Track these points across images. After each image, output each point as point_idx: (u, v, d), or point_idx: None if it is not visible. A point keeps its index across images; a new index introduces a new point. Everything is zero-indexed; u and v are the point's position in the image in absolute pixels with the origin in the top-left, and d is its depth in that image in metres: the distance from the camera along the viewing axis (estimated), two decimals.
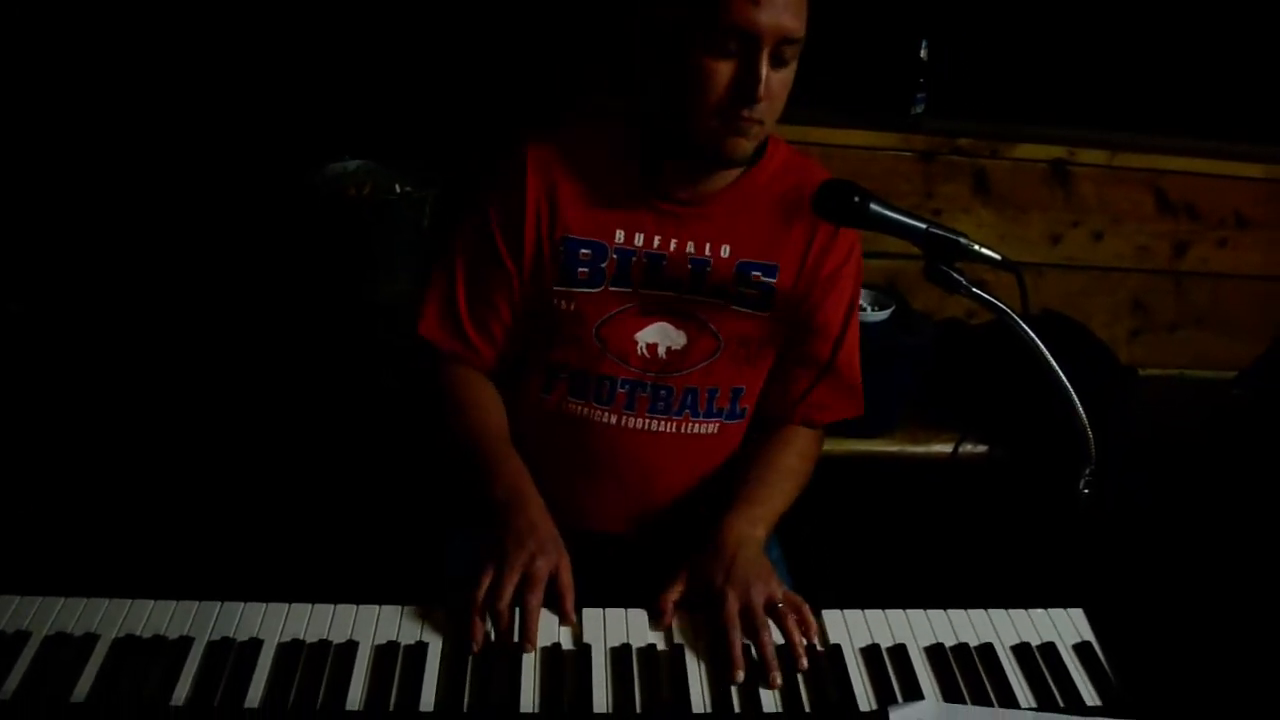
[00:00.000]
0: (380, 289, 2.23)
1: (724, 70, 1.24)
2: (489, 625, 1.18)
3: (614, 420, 1.46)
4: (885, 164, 2.45)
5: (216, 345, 2.46)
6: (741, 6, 1.20)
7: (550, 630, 1.20)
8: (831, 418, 1.54)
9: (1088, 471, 1.34)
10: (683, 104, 1.28)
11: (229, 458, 2.29)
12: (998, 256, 1.27)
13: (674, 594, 1.26)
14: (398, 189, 2.25)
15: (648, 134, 1.38)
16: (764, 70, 1.22)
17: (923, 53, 2.45)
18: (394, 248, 2.21)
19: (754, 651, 1.19)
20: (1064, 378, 1.29)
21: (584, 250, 1.39)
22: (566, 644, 1.19)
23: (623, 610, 1.24)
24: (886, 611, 1.26)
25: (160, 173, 2.53)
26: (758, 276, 1.41)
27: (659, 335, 1.43)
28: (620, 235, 1.39)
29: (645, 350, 1.43)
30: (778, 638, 1.21)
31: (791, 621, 1.21)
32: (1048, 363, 1.29)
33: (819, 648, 1.21)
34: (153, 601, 1.19)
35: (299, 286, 2.36)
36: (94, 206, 2.54)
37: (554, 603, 1.22)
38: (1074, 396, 1.30)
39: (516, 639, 1.17)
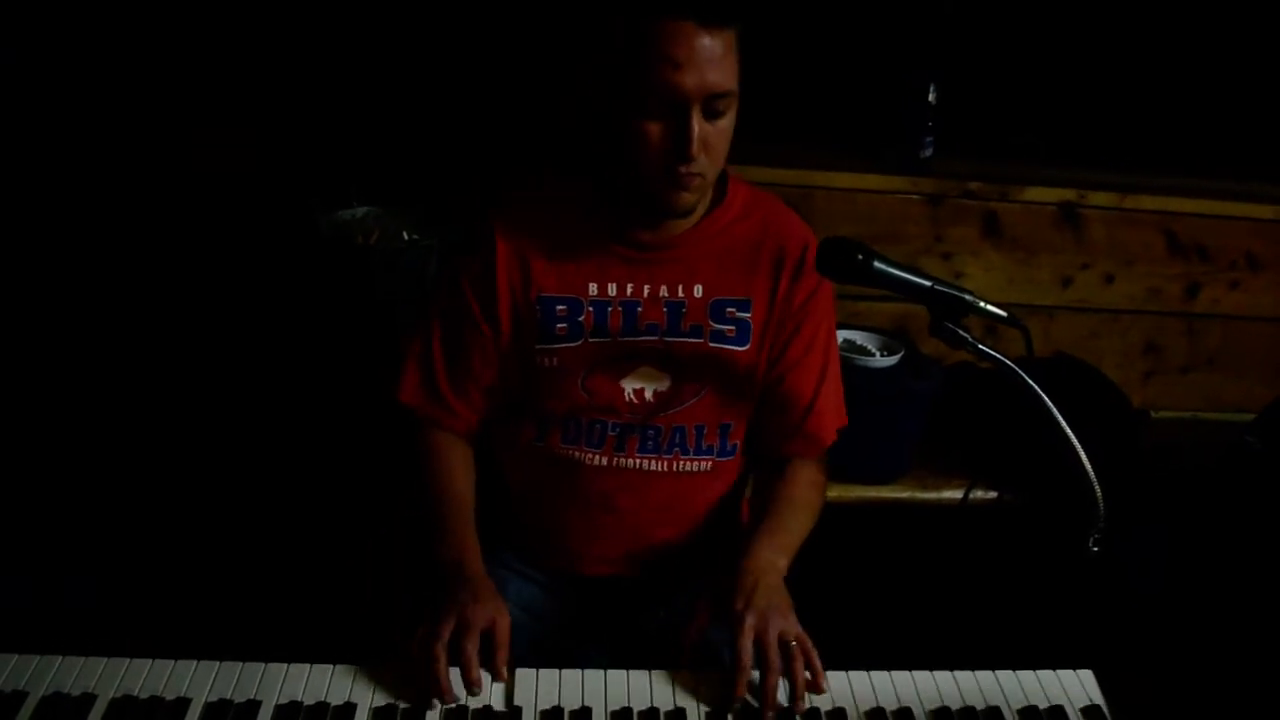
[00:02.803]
0: (385, 336, 2.23)
1: (656, 131, 1.26)
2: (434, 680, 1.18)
3: (605, 462, 1.47)
4: (894, 207, 2.44)
5: (219, 391, 2.46)
6: (664, 71, 1.22)
7: (550, 692, 1.19)
8: (828, 438, 1.54)
9: (1097, 528, 1.32)
10: (621, 163, 1.32)
11: (229, 508, 2.29)
12: (1003, 313, 1.27)
13: (694, 627, 1.29)
14: (405, 236, 2.26)
15: (605, 186, 1.41)
16: (695, 129, 1.24)
17: (931, 96, 2.45)
18: (399, 295, 2.21)
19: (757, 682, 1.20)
20: (1072, 434, 1.28)
21: (560, 307, 1.41)
22: (569, 705, 1.17)
23: (624, 672, 1.22)
24: (892, 673, 1.24)
25: (170, 214, 2.55)
26: (733, 313, 1.43)
27: (644, 380, 1.45)
28: (593, 288, 1.41)
29: (633, 396, 1.44)
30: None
31: (799, 665, 1.21)
32: (1055, 418, 1.27)
33: (821, 692, 1.21)
34: (150, 661, 1.18)
35: (303, 331, 2.37)
36: (99, 246, 2.56)
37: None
38: (1082, 453, 1.28)
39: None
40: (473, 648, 1.19)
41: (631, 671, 1.22)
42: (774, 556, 1.35)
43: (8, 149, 2.49)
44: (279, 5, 2.45)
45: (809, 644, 1.25)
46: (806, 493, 1.49)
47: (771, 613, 1.25)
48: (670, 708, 1.18)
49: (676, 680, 1.22)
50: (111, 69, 2.49)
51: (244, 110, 2.52)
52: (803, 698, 1.19)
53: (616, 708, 1.17)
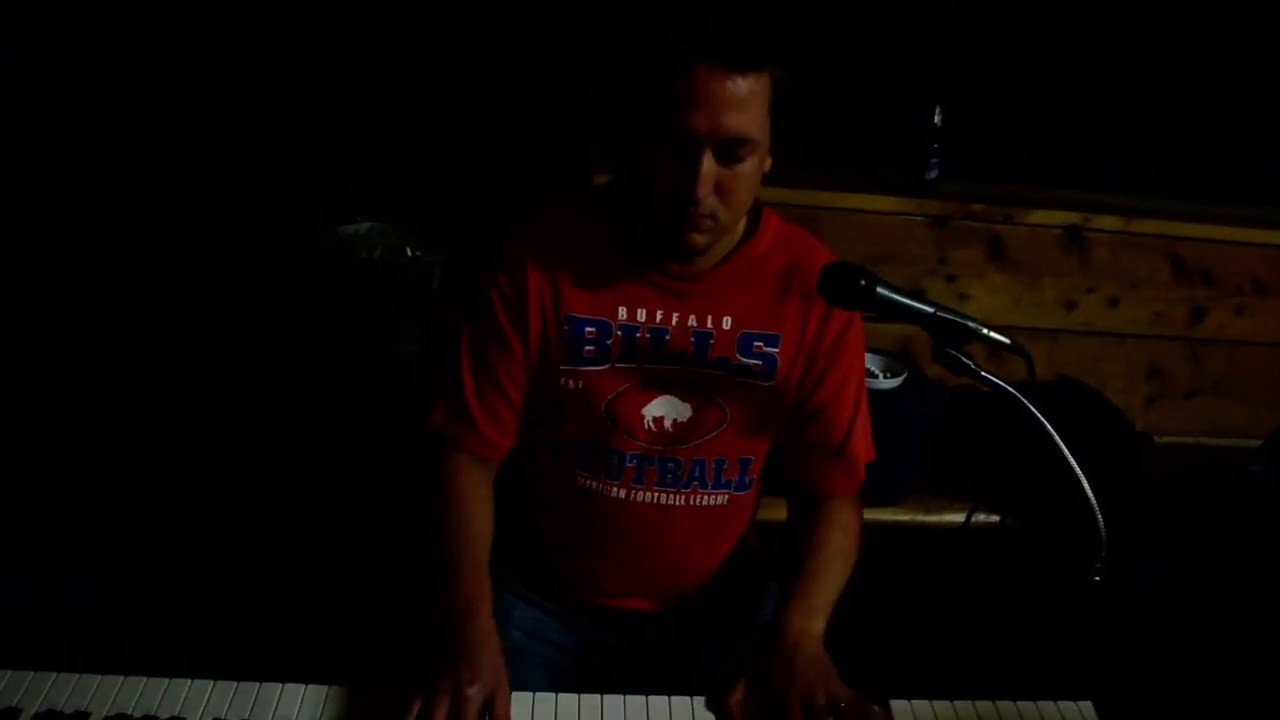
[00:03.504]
0: (388, 350, 2.23)
1: (669, 168, 1.25)
2: None
3: (623, 495, 1.45)
4: (898, 229, 2.43)
5: (221, 396, 2.46)
6: (679, 110, 1.21)
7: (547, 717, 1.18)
8: (862, 473, 1.53)
9: (1099, 555, 1.31)
10: (637, 195, 1.32)
11: (230, 512, 2.28)
12: (1006, 340, 1.27)
13: (738, 694, 1.23)
14: (408, 252, 2.26)
15: (624, 215, 1.40)
16: (703, 169, 1.23)
17: (937, 117, 2.45)
18: (403, 310, 2.21)
19: None
20: (1073, 460, 1.27)
21: (589, 329, 1.39)
22: None
23: (620, 697, 1.22)
24: (891, 703, 1.24)
25: (170, 216, 2.55)
26: (760, 347, 1.42)
27: (665, 408, 1.42)
28: (623, 312, 1.39)
29: (652, 424, 1.42)
30: None
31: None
32: (1057, 445, 1.27)
33: None
34: (145, 679, 1.18)
35: (309, 345, 2.37)
36: (99, 246, 2.56)
37: None
38: (1083, 478, 1.28)
39: None
40: None
41: (628, 697, 1.22)
42: (808, 622, 1.32)
43: (8, 149, 2.49)
44: (279, 6, 2.46)
45: (863, 705, 1.21)
46: (843, 539, 1.47)
47: (815, 681, 1.22)
48: None
49: (674, 706, 1.21)
50: (111, 69, 2.50)
51: (244, 110, 2.52)
52: None
53: None
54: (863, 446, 1.52)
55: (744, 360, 1.41)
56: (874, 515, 2.15)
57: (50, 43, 2.49)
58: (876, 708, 1.21)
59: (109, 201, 2.55)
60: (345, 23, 2.46)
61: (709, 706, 1.23)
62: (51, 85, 2.51)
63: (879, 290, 1.23)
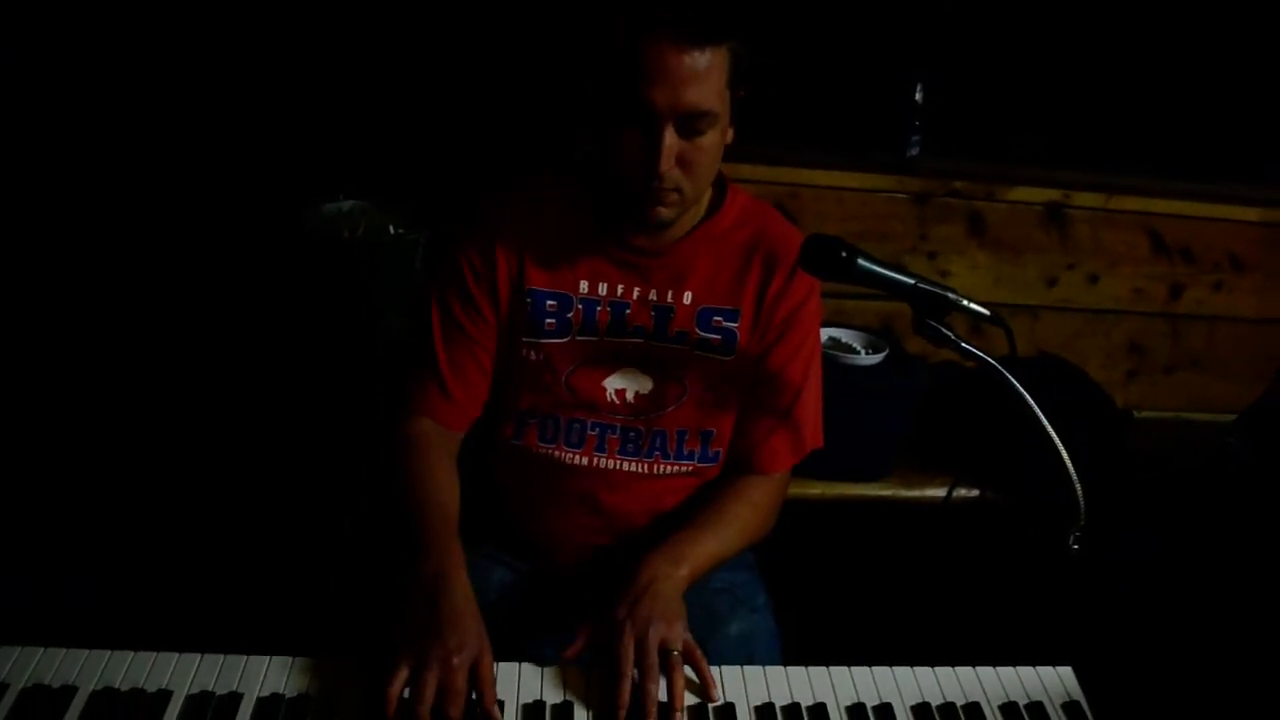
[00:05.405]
0: (373, 330, 2.23)
1: (633, 142, 1.28)
2: None
3: (585, 462, 1.47)
4: (879, 206, 2.45)
5: (216, 389, 2.46)
6: (640, 85, 1.24)
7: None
8: (794, 459, 1.53)
9: (1078, 527, 1.33)
10: (605, 174, 1.36)
11: (226, 505, 2.28)
12: (986, 312, 1.28)
13: (574, 648, 1.24)
14: (391, 230, 2.25)
15: (597, 190, 1.43)
16: (665, 143, 1.26)
17: (918, 95, 2.46)
18: (387, 289, 2.21)
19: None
20: (1054, 433, 1.28)
21: (550, 302, 1.42)
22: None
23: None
24: (873, 669, 1.25)
25: (169, 215, 2.54)
26: (719, 322, 1.44)
27: (626, 381, 1.45)
28: (584, 286, 1.42)
29: (614, 396, 1.45)
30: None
31: (678, 674, 1.18)
32: (1037, 417, 1.28)
33: (713, 701, 1.19)
34: (132, 653, 1.18)
35: (291, 326, 2.36)
36: (99, 247, 2.55)
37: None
38: (1064, 452, 1.29)
39: None
40: (457, 714, 1.11)
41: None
42: (671, 567, 1.31)
43: (8, 149, 2.48)
44: (279, 5, 2.45)
45: (697, 653, 1.22)
46: (745, 510, 1.47)
47: (654, 620, 1.22)
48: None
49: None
50: (111, 69, 2.48)
51: (244, 110, 2.52)
52: (681, 709, 1.16)
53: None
54: (809, 426, 1.52)
55: (703, 334, 1.44)
56: (856, 490, 2.20)
57: (50, 43, 2.47)
58: (705, 665, 1.21)
59: (108, 202, 2.53)
60: (345, 23, 2.45)
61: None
62: (51, 85, 2.49)
63: (860, 261, 1.24)
